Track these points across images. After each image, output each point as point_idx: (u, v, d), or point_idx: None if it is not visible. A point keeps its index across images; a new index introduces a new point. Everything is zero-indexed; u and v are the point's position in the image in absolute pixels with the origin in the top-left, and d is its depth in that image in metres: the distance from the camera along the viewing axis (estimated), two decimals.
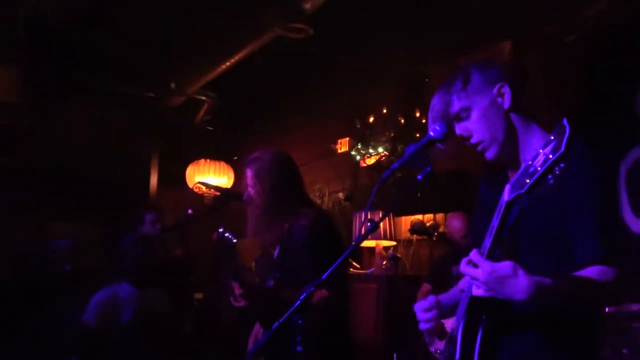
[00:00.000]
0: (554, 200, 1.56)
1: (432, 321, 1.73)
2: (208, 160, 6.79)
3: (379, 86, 5.64)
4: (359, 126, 5.67)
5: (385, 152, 5.43)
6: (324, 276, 1.71)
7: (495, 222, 1.48)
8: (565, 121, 1.32)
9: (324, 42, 5.15)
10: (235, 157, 6.94)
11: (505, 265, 1.37)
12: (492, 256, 1.46)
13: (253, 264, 4.53)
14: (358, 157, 5.71)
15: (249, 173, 2.74)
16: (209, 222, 3.06)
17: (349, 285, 2.86)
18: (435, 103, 1.74)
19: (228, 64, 5.48)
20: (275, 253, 2.81)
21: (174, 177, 6.85)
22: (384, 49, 5.19)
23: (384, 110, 5.54)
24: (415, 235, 5.28)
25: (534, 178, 1.33)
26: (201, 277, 5.30)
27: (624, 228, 3.59)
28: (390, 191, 4.06)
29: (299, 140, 6.19)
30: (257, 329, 3.06)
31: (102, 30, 5.50)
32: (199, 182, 5.75)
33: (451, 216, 4.63)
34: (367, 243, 5.22)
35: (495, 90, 1.69)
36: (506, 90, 1.69)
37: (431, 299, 1.75)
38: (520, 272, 1.37)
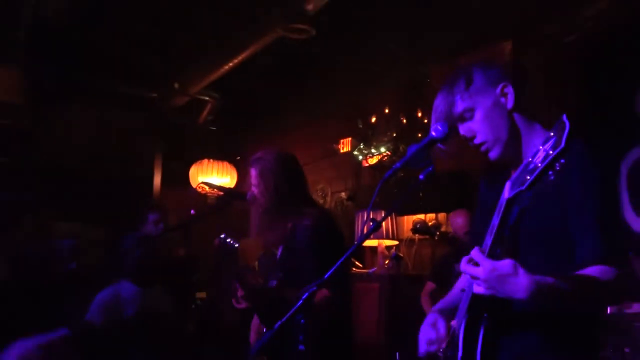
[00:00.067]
0: (555, 199, 1.56)
1: (431, 352, 1.69)
2: (211, 160, 6.80)
3: (379, 86, 5.65)
4: (361, 126, 5.68)
5: (387, 152, 5.44)
6: (326, 276, 1.71)
7: (495, 221, 1.48)
8: (564, 117, 1.32)
9: (325, 42, 5.15)
10: (239, 157, 6.95)
11: (506, 264, 1.37)
12: (493, 255, 1.45)
13: (256, 263, 4.55)
14: (360, 157, 5.72)
15: (252, 173, 2.74)
16: (212, 222, 3.06)
17: (351, 284, 2.86)
18: (439, 104, 1.73)
19: (231, 64, 5.48)
20: (278, 253, 2.82)
21: (178, 177, 6.86)
22: (384, 49, 5.20)
23: (386, 110, 5.55)
24: (417, 235, 5.30)
25: (535, 174, 1.33)
26: (203, 277, 5.30)
27: (625, 227, 3.60)
28: (393, 191, 4.09)
29: (301, 140, 6.21)
30: (255, 322, 3.07)
31: (103, 30, 5.50)
32: (202, 182, 5.76)
33: (454, 213, 4.65)
34: (369, 242, 5.23)
35: (498, 90, 1.68)
36: (509, 90, 1.68)
37: (440, 329, 1.69)
38: (521, 270, 1.36)
